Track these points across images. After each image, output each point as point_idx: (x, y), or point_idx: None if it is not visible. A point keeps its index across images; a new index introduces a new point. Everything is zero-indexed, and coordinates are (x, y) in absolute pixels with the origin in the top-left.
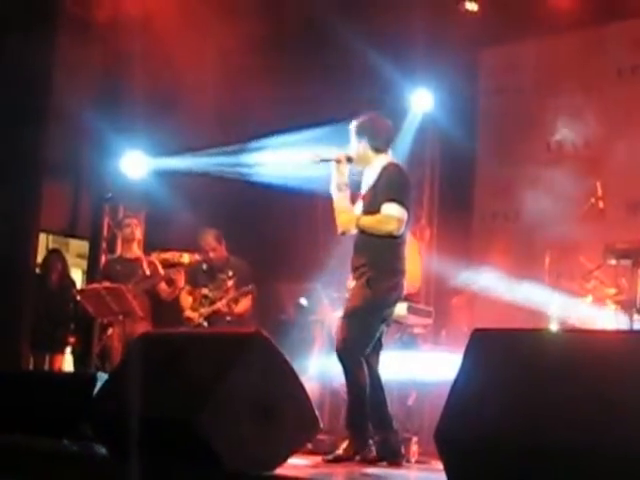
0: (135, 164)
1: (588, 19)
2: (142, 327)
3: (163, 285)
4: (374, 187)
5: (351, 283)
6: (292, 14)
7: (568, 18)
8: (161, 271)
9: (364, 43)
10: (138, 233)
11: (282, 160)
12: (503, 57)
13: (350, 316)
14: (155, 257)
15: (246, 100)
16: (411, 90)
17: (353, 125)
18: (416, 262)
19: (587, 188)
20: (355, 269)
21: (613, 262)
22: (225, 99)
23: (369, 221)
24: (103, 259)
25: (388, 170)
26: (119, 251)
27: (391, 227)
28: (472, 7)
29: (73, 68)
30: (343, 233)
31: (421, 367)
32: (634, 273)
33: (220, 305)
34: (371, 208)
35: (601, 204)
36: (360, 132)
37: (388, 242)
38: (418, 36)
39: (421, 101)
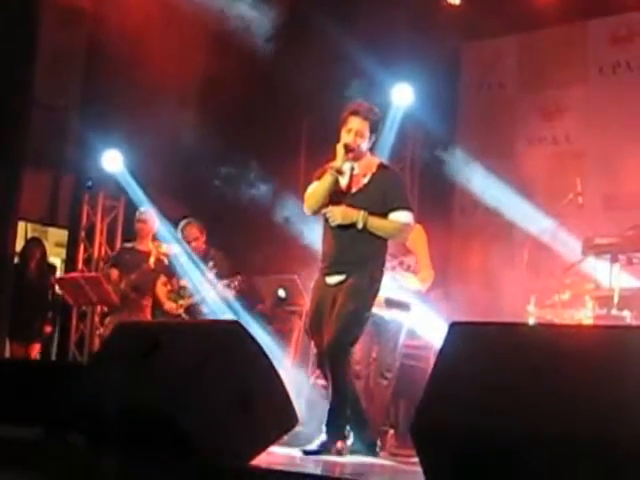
0: (113, 160)
1: (570, 15)
2: (140, 318)
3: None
4: (372, 187)
5: (337, 277)
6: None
7: (550, 14)
8: (165, 267)
9: (345, 36)
10: (150, 228)
11: None
12: (485, 52)
13: (347, 321)
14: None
15: (228, 99)
16: (392, 84)
17: (371, 117)
18: (427, 254)
19: (567, 183)
20: (347, 263)
21: (591, 257)
22: (205, 101)
23: (383, 224)
24: (118, 247)
25: (389, 173)
26: (134, 242)
27: (406, 235)
28: (454, 1)
29: (58, 58)
30: (313, 213)
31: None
32: (612, 268)
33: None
34: (368, 208)
35: (580, 200)
36: (376, 128)
37: (383, 242)
38: (400, 30)
39: (402, 95)
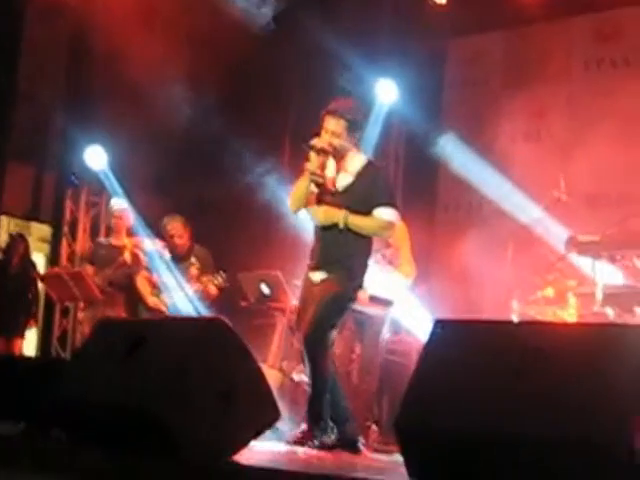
0: (96, 156)
1: (555, 12)
2: (115, 313)
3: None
4: (357, 185)
5: (319, 274)
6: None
7: (535, 10)
8: (143, 262)
9: (330, 32)
10: (125, 222)
11: None
12: (469, 49)
13: (325, 306)
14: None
15: (213, 94)
16: (376, 80)
17: (347, 116)
18: (409, 249)
19: (550, 180)
20: (330, 261)
21: (574, 254)
22: (190, 96)
23: (366, 223)
24: (90, 242)
25: (374, 171)
26: (109, 237)
27: (389, 232)
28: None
29: (41, 54)
30: (296, 212)
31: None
32: (595, 265)
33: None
34: (353, 206)
35: (564, 197)
36: (356, 127)
37: (367, 239)
38: (384, 27)
39: (386, 91)
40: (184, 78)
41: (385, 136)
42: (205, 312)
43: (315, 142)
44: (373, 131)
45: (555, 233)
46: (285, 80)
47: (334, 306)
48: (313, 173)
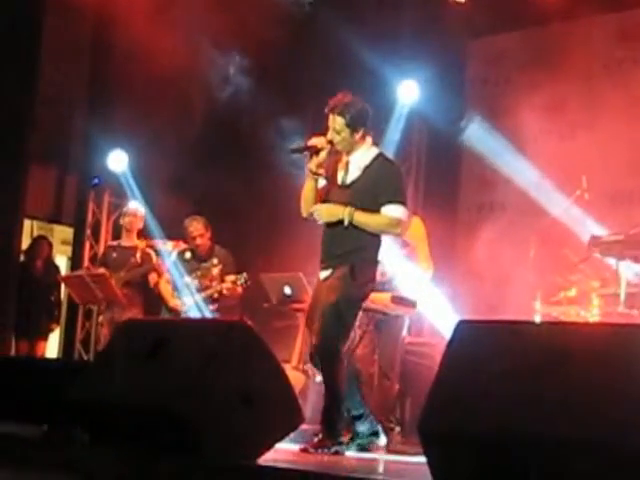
0: (118, 160)
1: (575, 11)
2: (133, 314)
3: (154, 275)
4: (364, 179)
5: (325, 272)
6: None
7: (555, 10)
8: (154, 261)
9: (351, 34)
10: (138, 223)
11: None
12: (490, 48)
13: (329, 318)
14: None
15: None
16: (398, 81)
17: (345, 113)
18: (426, 245)
19: (572, 179)
20: (334, 257)
21: (598, 255)
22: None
23: (372, 220)
24: (102, 246)
25: (384, 165)
26: (120, 239)
27: (398, 230)
28: None
29: (62, 56)
30: (309, 216)
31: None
32: (618, 266)
33: (207, 293)
34: (359, 200)
35: (586, 196)
36: (356, 121)
37: (374, 235)
38: (405, 27)
39: (407, 92)
40: (205, 77)
41: (407, 136)
42: (217, 314)
43: (312, 141)
44: (395, 132)
45: (578, 232)
46: (306, 80)
47: (336, 315)
48: (314, 172)
